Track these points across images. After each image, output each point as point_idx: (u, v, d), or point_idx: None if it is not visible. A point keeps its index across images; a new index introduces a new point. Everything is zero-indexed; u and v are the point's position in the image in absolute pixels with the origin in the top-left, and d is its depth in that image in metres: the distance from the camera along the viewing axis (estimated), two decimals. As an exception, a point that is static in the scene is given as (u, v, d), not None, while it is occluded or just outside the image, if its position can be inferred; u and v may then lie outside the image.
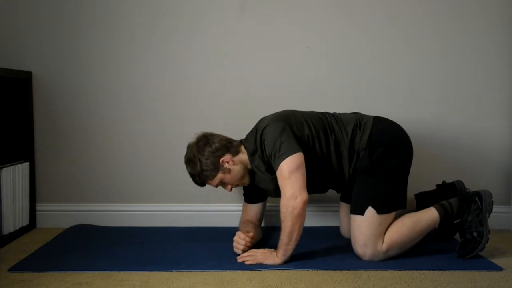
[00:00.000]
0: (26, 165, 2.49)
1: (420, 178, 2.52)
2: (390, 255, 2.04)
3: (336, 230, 2.52)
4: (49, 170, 2.59)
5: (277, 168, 1.97)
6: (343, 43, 2.57)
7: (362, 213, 2.03)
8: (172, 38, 2.56)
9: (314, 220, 2.60)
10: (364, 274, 1.90)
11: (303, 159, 1.97)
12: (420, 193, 2.39)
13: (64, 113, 2.57)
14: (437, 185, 2.38)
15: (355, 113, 2.23)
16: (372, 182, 2.06)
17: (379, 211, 2.02)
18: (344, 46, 2.57)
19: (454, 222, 2.15)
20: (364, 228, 2.02)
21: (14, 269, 1.94)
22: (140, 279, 1.84)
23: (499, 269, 1.96)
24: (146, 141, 2.59)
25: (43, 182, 2.60)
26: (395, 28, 2.57)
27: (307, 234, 2.42)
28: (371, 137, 2.07)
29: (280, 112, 2.14)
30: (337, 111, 2.45)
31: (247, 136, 2.18)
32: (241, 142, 2.16)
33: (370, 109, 2.54)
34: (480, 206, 2.07)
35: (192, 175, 2.13)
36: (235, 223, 2.41)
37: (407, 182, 2.12)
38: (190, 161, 2.11)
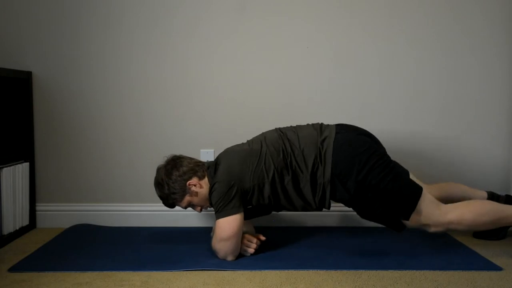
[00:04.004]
0: (26, 165, 2.49)
1: (419, 177, 2.52)
2: (451, 228, 2.04)
3: (336, 230, 2.52)
4: (49, 170, 2.59)
5: (215, 220, 2.03)
6: (344, 43, 2.57)
7: (402, 228, 2.07)
8: (172, 37, 2.56)
9: (314, 220, 2.60)
10: (364, 274, 1.90)
11: (241, 220, 2.01)
12: (492, 193, 2.34)
13: (64, 113, 2.58)
14: (506, 195, 2.35)
15: (315, 131, 2.12)
16: (377, 207, 2.04)
17: (407, 217, 2.02)
18: (345, 46, 2.57)
19: None
20: (419, 223, 2.04)
21: (14, 269, 1.94)
22: (140, 279, 1.84)
23: (499, 269, 1.96)
24: (146, 141, 2.59)
25: (43, 182, 2.60)
26: (396, 28, 2.57)
27: (308, 234, 2.43)
28: (334, 168, 2.02)
29: (237, 156, 2.09)
30: (337, 111, 2.47)
31: (209, 164, 2.18)
32: (207, 167, 2.18)
33: (370, 107, 2.56)
34: None
35: (161, 198, 2.19)
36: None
37: (397, 170, 2.07)
38: (158, 184, 2.17)
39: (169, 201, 2.18)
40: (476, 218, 2.03)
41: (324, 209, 2.14)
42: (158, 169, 2.20)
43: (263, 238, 2.12)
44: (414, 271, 1.93)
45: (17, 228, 2.42)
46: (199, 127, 2.58)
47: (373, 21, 2.57)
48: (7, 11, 2.54)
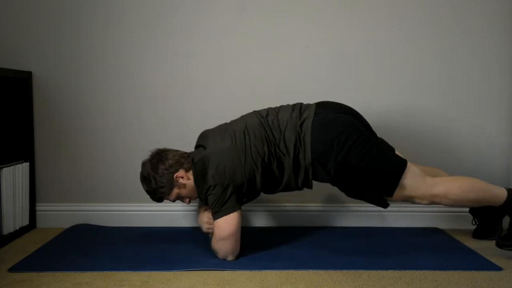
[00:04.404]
0: (26, 165, 2.49)
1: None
2: (436, 201, 2.05)
3: (336, 230, 2.52)
4: (49, 170, 2.59)
5: (213, 221, 2.04)
6: (344, 43, 2.57)
7: (386, 205, 2.08)
8: (172, 37, 2.56)
9: (314, 220, 2.60)
10: (364, 274, 1.90)
11: (239, 218, 2.01)
12: None
13: (64, 113, 2.58)
14: None
15: (295, 112, 2.11)
16: (359, 187, 2.04)
17: (390, 193, 2.03)
18: (345, 46, 2.57)
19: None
20: (403, 197, 2.05)
21: (14, 269, 1.94)
22: (140, 279, 1.84)
23: (499, 269, 1.96)
24: (146, 141, 2.58)
25: (43, 182, 2.60)
26: (396, 28, 2.57)
27: (308, 234, 2.43)
28: (314, 152, 2.03)
29: (225, 154, 2.04)
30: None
31: (194, 156, 2.14)
32: (192, 159, 2.15)
33: (370, 107, 2.56)
34: None
35: (148, 192, 2.18)
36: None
37: (379, 147, 2.06)
38: (145, 179, 2.15)
39: (157, 195, 2.16)
40: (462, 193, 2.05)
41: (306, 188, 2.17)
42: (143, 164, 2.17)
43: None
44: (414, 271, 1.93)
45: (17, 228, 2.42)
46: (199, 127, 2.57)
47: (373, 21, 2.57)
48: (7, 11, 2.54)
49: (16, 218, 2.41)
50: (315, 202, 2.58)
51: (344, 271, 1.92)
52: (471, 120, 2.61)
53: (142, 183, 2.18)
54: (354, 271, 1.92)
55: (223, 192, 2.00)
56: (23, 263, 2.01)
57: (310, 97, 2.57)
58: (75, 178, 2.60)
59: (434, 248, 2.20)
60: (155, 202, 2.23)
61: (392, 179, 2.02)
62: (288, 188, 2.14)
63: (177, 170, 2.12)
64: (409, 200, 2.07)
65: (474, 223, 2.36)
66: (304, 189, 2.16)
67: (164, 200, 2.22)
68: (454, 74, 2.59)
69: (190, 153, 2.20)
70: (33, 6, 2.54)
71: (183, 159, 2.15)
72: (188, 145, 2.52)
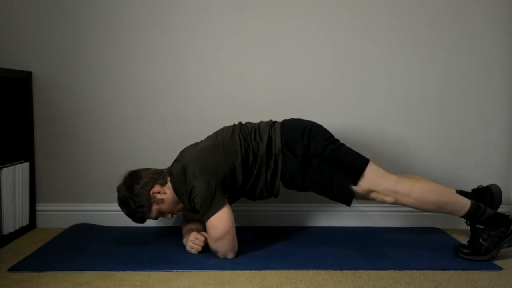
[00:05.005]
0: (26, 165, 2.49)
1: (416, 174, 2.52)
2: (399, 200, 2.07)
3: (336, 230, 2.52)
4: (49, 170, 2.59)
5: (205, 223, 2.03)
6: (344, 43, 2.57)
7: (350, 201, 2.11)
8: (172, 37, 2.56)
9: (314, 220, 2.60)
10: (364, 274, 1.90)
11: (230, 212, 2.01)
12: (460, 191, 2.33)
13: (64, 113, 2.58)
14: (473, 190, 2.33)
15: (270, 120, 2.28)
16: (326, 174, 2.09)
17: (354, 181, 2.07)
18: (345, 46, 2.57)
19: (476, 226, 2.09)
20: (368, 190, 2.09)
21: (14, 269, 1.94)
22: (140, 279, 1.84)
23: (499, 269, 1.96)
24: (146, 141, 2.59)
25: (43, 182, 2.60)
26: (396, 28, 2.57)
27: (308, 234, 2.43)
28: (283, 138, 2.14)
29: (203, 152, 2.12)
30: (337, 110, 2.47)
31: (172, 171, 2.15)
32: (170, 172, 2.17)
33: (370, 107, 2.56)
34: (507, 234, 2.06)
35: (129, 215, 2.18)
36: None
37: (342, 143, 2.16)
38: (122, 202, 2.16)
39: (138, 216, 2.16)
40: (424, 193, 2.07)
41: (272, 196, 2.21)
42: (118, 189, 2.18)
43: (205, 234, 2.12)
44: (414, 271, 1.93)
45: (17, 228, 2.42)
46: (199, 127, 2.58)
47: (373, 21, 2.57)
48: (7, 11, 2.54)
49: (16, 218, 2.41)
50: (314, 202, 2.58)
51: (344, 271, 1.92)
52: (471, 120, 2.61)
53: (121, 207, 2.18)
54: (354, 271, 1.92)
55: (208, 188, 2.00)
56: (23, 263, 2.01)
57: (310, 97, 2.58)
58: (75, 178, 2.60)
59: (434, 248, 2.20)
60: (137, 223, 2.22)
61: (356, 167, 2.08)
62: (257, 180, 2.14)
63: (152, 187, 2.13)
64: (374, 195, 2.09)
65: (467, 224, 2.29)
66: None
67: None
68: (454, 74, 2.59)
69: (162, 170, 2.21)
70: (33, 6, 2.54)
71: (156, 175, 2.16)
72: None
